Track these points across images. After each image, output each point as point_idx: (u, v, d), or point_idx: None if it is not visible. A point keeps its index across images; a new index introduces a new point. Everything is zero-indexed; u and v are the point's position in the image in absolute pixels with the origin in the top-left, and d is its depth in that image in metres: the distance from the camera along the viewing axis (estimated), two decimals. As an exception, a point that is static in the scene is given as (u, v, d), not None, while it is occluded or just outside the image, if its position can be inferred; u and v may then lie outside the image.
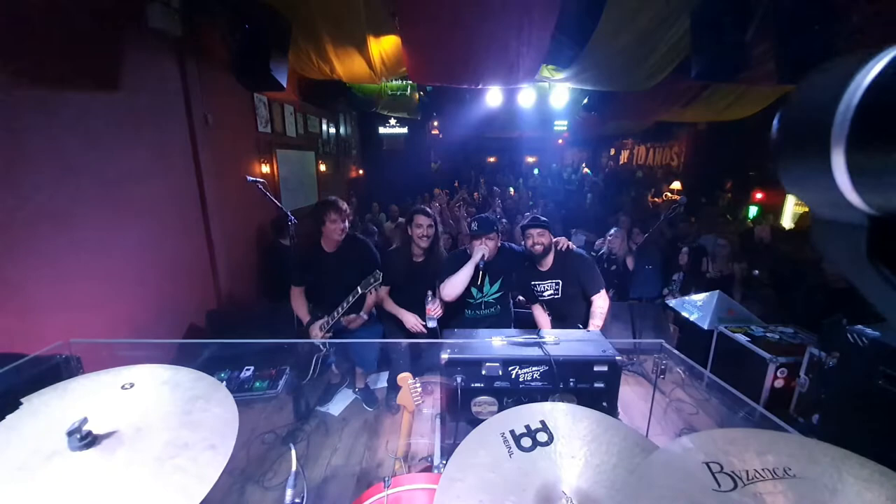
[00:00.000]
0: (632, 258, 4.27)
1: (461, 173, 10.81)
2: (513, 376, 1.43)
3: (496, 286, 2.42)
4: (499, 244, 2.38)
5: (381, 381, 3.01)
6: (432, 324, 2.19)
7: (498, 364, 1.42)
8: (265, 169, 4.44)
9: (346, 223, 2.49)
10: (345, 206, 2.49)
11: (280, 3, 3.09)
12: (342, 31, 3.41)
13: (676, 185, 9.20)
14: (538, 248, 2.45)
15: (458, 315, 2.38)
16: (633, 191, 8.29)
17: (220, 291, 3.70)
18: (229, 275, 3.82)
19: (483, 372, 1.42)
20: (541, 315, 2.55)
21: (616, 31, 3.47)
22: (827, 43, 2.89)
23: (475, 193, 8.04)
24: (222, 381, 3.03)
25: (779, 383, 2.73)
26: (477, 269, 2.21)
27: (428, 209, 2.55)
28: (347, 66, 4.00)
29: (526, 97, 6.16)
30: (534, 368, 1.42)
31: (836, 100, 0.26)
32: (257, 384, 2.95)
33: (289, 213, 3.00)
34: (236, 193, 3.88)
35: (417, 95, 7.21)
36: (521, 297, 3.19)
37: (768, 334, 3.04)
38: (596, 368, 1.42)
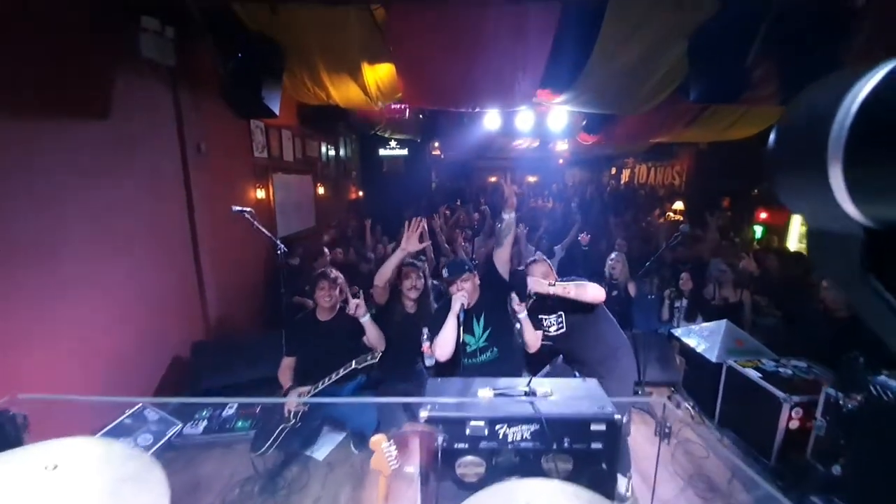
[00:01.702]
0: (634, 284, 4.13)
1: (463, 193, 10.81)
2: (500, 436, 1.30)
3: (481, 324, 2.27)
4: (477, 282, 2.25)
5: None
6: (430, 362, 2.08)
7: (483, 423, 1.29)
8: (261, 194, 4.40)
9: (338, 292, 2.48)
10: (335, 274, 2.50)
11: (274, 31, 3.09)
12: (336, 59, 3.40)
13: (679, 205, 9.09)
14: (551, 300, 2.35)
15: (456, 365, 2.24)
16: (629, 213, 8.09)
17: (209, 321, 3.59)
18: (220, 304, 3.72)
19: (467, 431, 1.29)
20: (528, 329, 2.35)
21: (613, 54, 3.43)
22: (830, 64, 2.82)
23: (475, 214, 7.96)
24: (203, 420, 2.92)
25: (794, 424, 2.55)
26: (459, 319, 2.06)
27: (417, 263, 2.50)
28: (343, 93, 3.98)
29: (524, 120, 6.14)
30: (524, 427, 1.29)
31: (833, 113, 0.26)
32: (239, 423, 2.80)
33: (278, 242, 2.92)
34: (230, 220, 3.81)
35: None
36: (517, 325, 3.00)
37: (780, 369, 2.87)
38: (593, 427, 1.28)
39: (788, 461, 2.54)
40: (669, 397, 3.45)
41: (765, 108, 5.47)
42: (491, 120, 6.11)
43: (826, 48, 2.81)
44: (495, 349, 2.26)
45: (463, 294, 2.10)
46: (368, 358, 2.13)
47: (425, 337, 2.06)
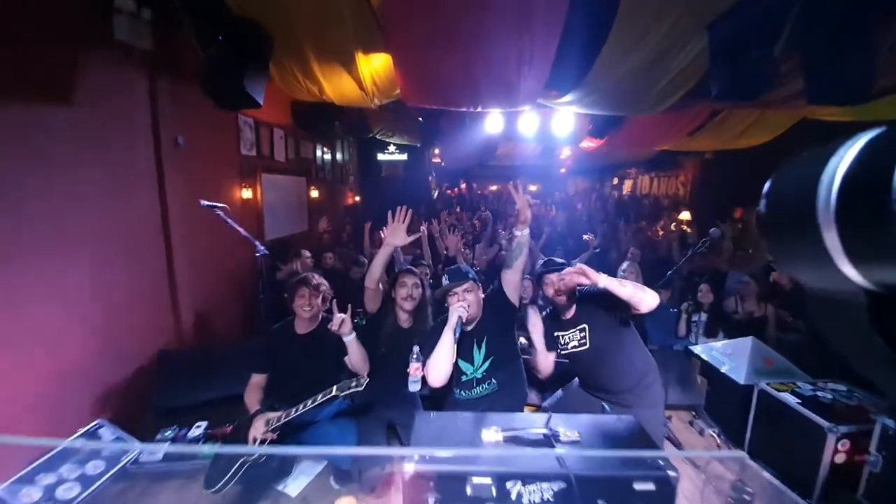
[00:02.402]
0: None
1: (464, 200, 10.61)
2: (513, 496, 0.98)
3: (482, 352, 1.92)
4: (481, 295, 1.92)
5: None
6: (415, 387, 1.74)
7: (489, 480, 0.97)
8: (247, 194, 4.11)
9: (321, 300, 2.14)
10: (318, 281, 2.16)
11: (260, 14, 2.83)
12: (328, 48, 3.15)
13: (686, 215, 8.81)
14: (562, 298, 2.06)
15: (447, 397, 1.91)
16: (634, 221, 7.80)
17: (182, 328, 3.27)
18: (196, 310, 3.40)
19: (468, 490, 0.98)
20: (542, 351, 2.09)
21: (626, 49, 3.18)
22: (863, 60, 2.57)
23: (476, 220, 7.69)
24: (164, 443, 2.58)
25: (840, 458, 2.22)
26: (456, 334, 1.72)
27: (414, 269, 2.19)
28: (336, 87, 3.72)
29: (527, 123, 5.89)
30: (544, 486, 0.97)
31: (818, 180, 0.29)
32: (206, 449, 2.45)
33: (257, 244, 2.62)
34: (211, 220, 3.52)
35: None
36: (522, 340, 2.68)
37: (818, 393, 2.54)
38: (637, 487, 0.97)
39: (835, 501, 2.21)
40: (691, 422, 3.12)
41: (779, 112, 5.25)
42: (493, 123, 5.86)
43: (859, 41, 2.56)
44: (494, 381, 1.92)
45: (463, 305, 1.78)
46: (353, 384, 1.80)
47: (415, 356, 1.74)
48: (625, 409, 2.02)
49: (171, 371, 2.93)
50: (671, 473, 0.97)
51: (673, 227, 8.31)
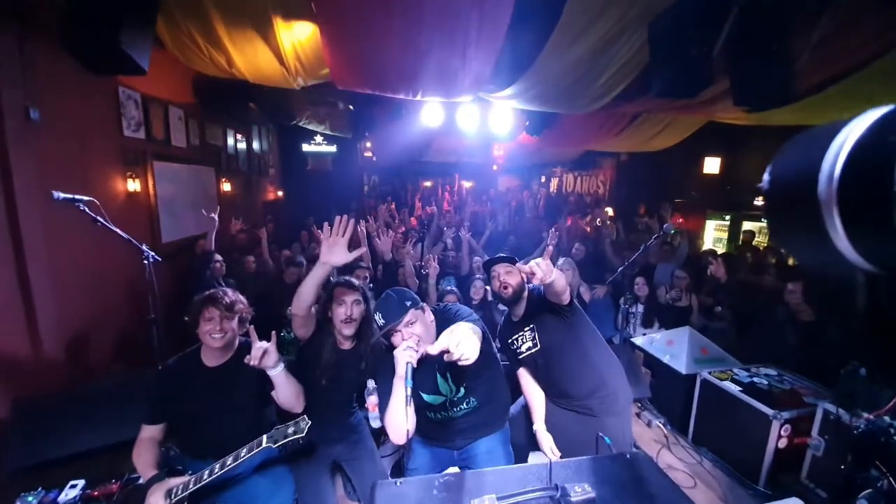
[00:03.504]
0: (587, 290, 3.86)
1: (398, 195, 10.20)
2: None
3: (450, 381, 1.64)
4: (429, 317, 1.58)
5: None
6: (376, 423, 1.39)
7: None
8: (133, 186, 3.31)
9: (236, 323, 1.64)
10: (232, 298, 1.65)
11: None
12: (237, 7, 2.59)
13: (609, 211, 9.40)
14: (508, 290, 1.94)
15: (420, 422, 1.57)
16: (563, 216, 8.11)
17: (45, 365, 2.50)
18: (65, 340, 2.64)
19: None
20: (528, 384, 2.01)
21: (571, 41, 3.09)
22: (789, 62, 2.75)
23: (412, 218, 7.34)
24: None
25: (783, 443, 2.33)
26: (407, 385, 1.31)
27: (353, 281, 1.79)
28: (250, 60, 3.14)
29: (466, 117, 5.70)
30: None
31: (821, 161, 0.28)
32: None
33: (143, 248, 2.04)
34: (85, 219, 2.75)
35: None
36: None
37: (755, 379, 2.68)
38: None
39: (780, 485, 2.31)
40: (639, 414, 3.16)
41: (690, 117, 5.71)
42: (431, 115, 5.57)
43: (786, 46, 2.72)
44: (473, 400, 1.67)
45: (410, 346, 1.39)
46: (290, 431, 1.39)
47: (369, 391, 1.39)
48: (591, 419, 1.91)
49: (29, 421, 2.21)
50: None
51: (599, 221, 8.80)
